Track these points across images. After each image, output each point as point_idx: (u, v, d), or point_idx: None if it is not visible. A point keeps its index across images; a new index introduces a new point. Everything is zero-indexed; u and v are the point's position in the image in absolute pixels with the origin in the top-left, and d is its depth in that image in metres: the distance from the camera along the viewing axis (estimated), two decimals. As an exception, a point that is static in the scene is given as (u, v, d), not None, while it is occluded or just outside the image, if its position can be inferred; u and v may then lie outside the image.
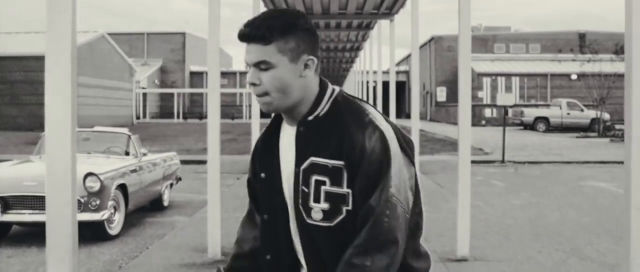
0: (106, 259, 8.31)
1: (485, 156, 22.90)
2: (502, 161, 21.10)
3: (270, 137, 2.34)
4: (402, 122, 31.52)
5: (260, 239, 2.38)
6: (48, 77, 3.93)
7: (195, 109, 68.88)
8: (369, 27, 20.49)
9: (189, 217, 10.99)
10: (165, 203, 12.14)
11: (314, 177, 2.17)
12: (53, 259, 3.98)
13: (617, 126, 35.49)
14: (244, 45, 2.23)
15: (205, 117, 61.69)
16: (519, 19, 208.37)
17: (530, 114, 40.96)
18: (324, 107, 2.22)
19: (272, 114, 2.34)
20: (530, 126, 40.34)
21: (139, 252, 8.59)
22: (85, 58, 42.97)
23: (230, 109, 63.40)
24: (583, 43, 57.31)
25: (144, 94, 62.90)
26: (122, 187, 9.75)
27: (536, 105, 46.16)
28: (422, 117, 65.83)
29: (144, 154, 11.17)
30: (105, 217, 9.07)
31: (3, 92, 39.74)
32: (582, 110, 39.67)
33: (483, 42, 60.66)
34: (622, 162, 18.23)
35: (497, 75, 53.12)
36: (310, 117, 2.21)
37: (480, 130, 39.69)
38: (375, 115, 2.21)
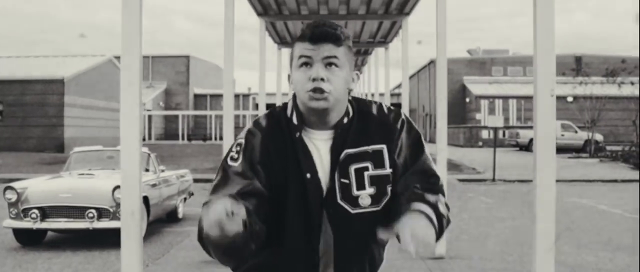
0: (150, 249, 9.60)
1: (477, 175, 24.19)
2: (493, 180, 22.39)
3: (284, 139, 2.36)
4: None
5: (272, 238, 2.35)
6: (123, 102, 5.00)
7: (199, 131, 70.18)
8: (366, 53, 21.87)
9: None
10: (180, 215, 13.43)
11: (353, 167, 2.33)
12: (126, 251, 5.19)
13: (609, 147, 36.81)
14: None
15: (209, 138, 63.26)
16: (520, 42, 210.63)
17: (525, 135, 42.21)
18: (352, 112, 2.41)
19: (263, 119, 2.44)
20: (526, 147, 41.56)
21: (162, 254, 9.87)
22: (96, 81, 44.47)
23: (235, 130, 64.68)
24: (579, 66, 58.71)
25: (149, 116, 64.27)
26: (145, 199, 11.05)
27: (531, 127, 47.45)
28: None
29: (162, 171, 12.49)
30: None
31: (15, 114, 41.12)
32: (576, 131, 40.92)
33: (481, 65, 62.13)
34: (606, 181, 19.61)
35: (494, 97, 54.46)
36: (345, 121, 2.37)
37: (477, 151, 40.97)
38: (382, 103, 2.52)
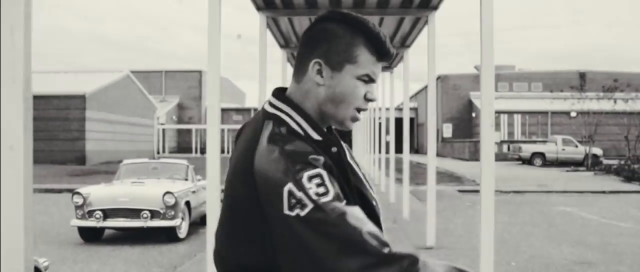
0: (181, 251, 11.96)
1: (476, 186, 26.47)
2: (490, 191, 24.67)
3: (341, 157, 1.94)
4: (411, 157, 35.22)
5: None
6: (209, 120, 7.15)
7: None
8: None
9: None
10: (211, 219, 15.79)
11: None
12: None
13: (607, 161, 39.03)
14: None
15: (222, 151, 65.38)
16: (527, 57, 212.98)
17: (527, 149, 44.42)
18: None
19: (319, 133, 1.93)
20: (528, 161, 43.77)
21: (201, 250, 12.18)
22: (115, 96, 47.02)
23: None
24: (583, 82, 61.00)
25: (164, 130, 66.69)
26: (187, 204, 13.44)
27: (534, 141, 49.74)
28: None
29: (199, 180, 14.88)
30: (177, 224, 12.75)
31: (39, 128, 43.63)
32: (576, 146, 43.08)
33: (487, 81, 64.42)
34: (594, 192, 22.04)
35: (500, 112, 56.70)
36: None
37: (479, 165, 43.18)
38: None
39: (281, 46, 15.28)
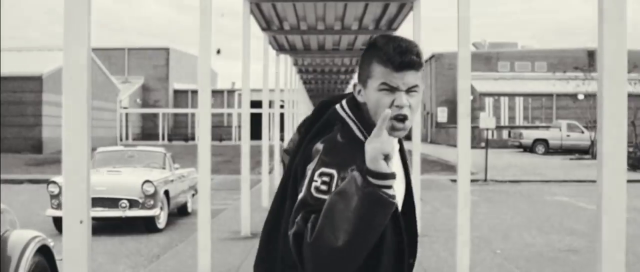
0: (161, 242, 13.23)
1: (470, 176, 27.95)
2: (485, 180, 26.09)
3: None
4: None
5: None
6: (201, 109, 8.30)
7: (180, 130, 73.47)
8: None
9: (214, 218, 15.90)
10: (189, 210, 17.03)
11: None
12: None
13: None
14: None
15: (192, 138, 66.40)
16: (532, 32, 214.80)
17: (529, 136, 45.83)
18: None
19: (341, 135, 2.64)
20: (529, 148, 45.15)
21: (181, 240, 13.43)
22: (73, 78, 47.85)
23: (218, 130, 67.88)
24: (592, 61, 62.44)
25: (126, 115, 67.51)
26: (166, 193, 14.70)
27: (536, 127, 51.17)
28: (422, 139, 70.77)
29: (177, 168, 16.13)
30: (156, 214, 14.01)
31: (-10, 113, 44.65)
32: (582, 132, 44.33)
33: (486, 60, 65.98)
34: (595, 181, 23.66)
35: (500, 95, 58.15)
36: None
37: (479, 152, 44.63)
38: None
39: (263, 29, 16.54)
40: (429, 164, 33.56)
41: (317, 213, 2.43)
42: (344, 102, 2.77)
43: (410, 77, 2.56)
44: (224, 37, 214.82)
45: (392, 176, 2.37)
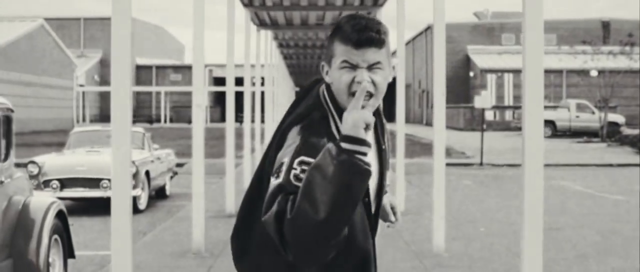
0: (143, 222, 15.20)
1: (465, 159, 30.15)
2: (480, 164, 28.19)
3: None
4: (390, 126, 38.91)
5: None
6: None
7: (143, 111, 75.01)
8: None
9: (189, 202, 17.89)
10: (168, 192, 19.00)
11: (385, 160, 3.34)
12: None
13: (628, 131, 42.42)
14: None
15: (157, 120, 67.91)
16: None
17: (533, 116, 47.71)
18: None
19: (311, 118, 3.13)
20: (534, 130, 46.99)
21: (164, 220, 15.39)
22: (24, 52, 49.54)
23: (187, 111, 69.42)
24: (607, 33, 64.57)
25: (83, 93, 69.05)
26: (147, 173, 16.68)
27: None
28: (418, 120, 72.70)
29: (156, 149, 18.10)
30: (137, 194, 15.97)
31: None
32: (593, 112, 46.29)
33: (489, 32, 67.92)
34: (600, 165, 25.94)
35: (503, 71, 60.03)
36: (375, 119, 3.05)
37: (477, 135, 46.78)
38: None
39: (245, 5, 18.47)
40: (422, 148, 35.66)
41: (296, 195, 2.87)
42: (324, 87, 3.24)
43: (371, 54, 3.01)
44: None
45: (367, 143, 2.80)
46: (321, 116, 3.14)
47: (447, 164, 28.38)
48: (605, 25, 66.25)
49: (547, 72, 60.23)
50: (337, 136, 2.97)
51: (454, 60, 67.18)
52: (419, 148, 35.51)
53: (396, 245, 11.94)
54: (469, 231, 13.77)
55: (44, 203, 8.70)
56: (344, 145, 2.78)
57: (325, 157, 2.80)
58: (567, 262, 11.32)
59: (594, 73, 46.25)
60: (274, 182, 3.00)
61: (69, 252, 9.37)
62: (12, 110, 8.49)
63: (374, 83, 3.03)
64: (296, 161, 2.98)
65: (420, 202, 16.84)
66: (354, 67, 3.02)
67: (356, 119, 2.81)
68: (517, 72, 60.05)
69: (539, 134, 6.01)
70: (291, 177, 2.95)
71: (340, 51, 3.04)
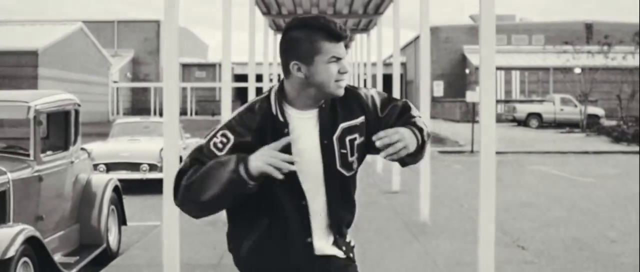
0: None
1: (458, 147, 31.27)
2: (471, 151, 29.28)
3: (276, 128, 3.39)
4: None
5: (264, 212, 3.44)
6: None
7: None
8: (377, 12, 22.23)
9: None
10: (197, 174, 20.19)
11: (348, 138, 3.46)
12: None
13: (608, 122, 43.61)
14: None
15: (183, 113, 68.43)
16: (527, 4, 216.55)
17: (522, 110, 48.83)
18: None
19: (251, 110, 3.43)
20: (523, 122, 48.12)
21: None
22: (68, 52, 50.80)
23: (210, 104, 70.47)
24: (590, 34, 65.50)
25: (117, 89, 69.85)
26: (180, 158, 17.82)
27: (530, 101, 54.21)
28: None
29: (187, 138, 19.27)
30: (172, 176, 17.16)
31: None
32: (575, 106, 47.17)
33: (483, 33, 68.64)
34: (577, 152, 27.09)
35: (496, 68, 60.97)
36: (328, 100, 3.45)
37: (470, 126, 47.87)
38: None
39: (263, 13, 19.57)
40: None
41: (202, 164, 3.28)
42: (277, 86, 3.51)
43: (345, 49, 3.39)
44: (216, 8, 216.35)
45: (254, 179, 3.16)
46: (261, 104, 3.44)
47: (442, 152, 29.92)
48: (588, 27, 67.16)
49: (536, 69, 61.43)
50: (277, 115, 3.38)
51: (452, 59, 68.38)
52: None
53: (389, 216, 13.20)
54: (454, 207, 14.89)
55: (104, 179, 9.94)
56: (241, 168, 3.16)
57: (229, 163, 3.19)
58: (533, 231, 12.44)
59: (577, 70, 47.30)
60: (199, 141, 3.57)
61: (122, 220, 10.61)
62: (79, 105, 9.68)
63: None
64: (220, 132, 3.37)
65: (413, 183, 17.90)
66: (338, 59, 3.34)
67: (259, 164, 3.15)
68: (508, 69, 61.09)
69: (491, 122, 7.05)
70: (211, 144, 3.35)
71: (327, 48, 3.31)
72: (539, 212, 14.61)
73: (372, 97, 3.56)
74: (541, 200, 16.18)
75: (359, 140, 3.48)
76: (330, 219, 3.52)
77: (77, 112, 9.60)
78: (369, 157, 3.83)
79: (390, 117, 3.53)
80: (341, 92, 3.39)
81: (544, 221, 13.55)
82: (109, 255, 9.78)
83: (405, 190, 16.16)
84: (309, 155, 3.41)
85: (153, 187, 17.66)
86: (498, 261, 7.59)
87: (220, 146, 3.33)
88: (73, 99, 9.58)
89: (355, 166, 3.52)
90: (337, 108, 3.46)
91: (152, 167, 17.10)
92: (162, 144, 17.40)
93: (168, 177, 7.26)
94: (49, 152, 8.66)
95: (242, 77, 66.20)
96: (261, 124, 3.37)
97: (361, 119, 3.49)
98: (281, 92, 3.44)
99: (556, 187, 18.66)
